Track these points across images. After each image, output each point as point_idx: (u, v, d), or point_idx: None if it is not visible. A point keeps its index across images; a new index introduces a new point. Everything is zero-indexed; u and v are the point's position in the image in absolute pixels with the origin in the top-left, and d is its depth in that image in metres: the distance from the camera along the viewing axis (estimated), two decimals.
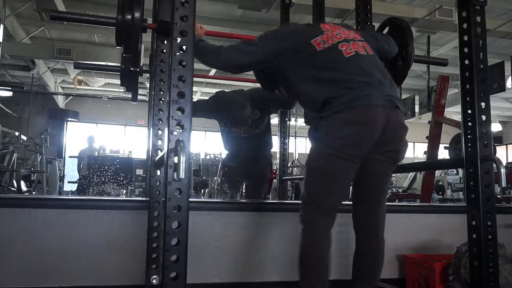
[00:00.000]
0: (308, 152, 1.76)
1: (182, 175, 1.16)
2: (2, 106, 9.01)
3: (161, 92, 1.96)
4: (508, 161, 13.04)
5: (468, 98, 1.74)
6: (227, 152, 3.44)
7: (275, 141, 3.49)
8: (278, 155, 3.52)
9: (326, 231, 1.67)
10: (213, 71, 8.43)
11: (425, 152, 4.93)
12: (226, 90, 3.47)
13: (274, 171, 3.93)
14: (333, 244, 2.38)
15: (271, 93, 3.14)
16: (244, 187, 3.54)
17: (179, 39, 1.28)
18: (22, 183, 6.77)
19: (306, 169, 1.76)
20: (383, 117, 1.62)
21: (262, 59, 1.78)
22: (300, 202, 1.75)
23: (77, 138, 11.36)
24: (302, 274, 1.68)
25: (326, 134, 1.64)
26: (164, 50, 1.96)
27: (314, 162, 1.69)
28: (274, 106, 3.24)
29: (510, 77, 8.29)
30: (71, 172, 8.39)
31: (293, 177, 5.89)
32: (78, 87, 11.32)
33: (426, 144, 4.75)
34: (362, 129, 1.61)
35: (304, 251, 1.68)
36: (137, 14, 1.63)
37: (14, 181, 6.58)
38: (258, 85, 3.83)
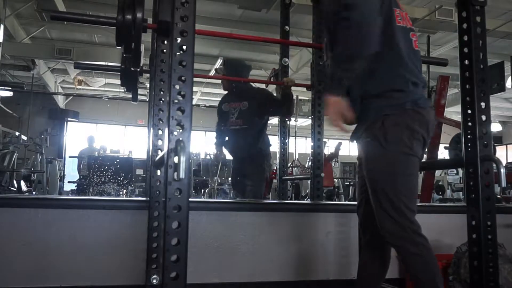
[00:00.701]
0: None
1: (182, 175, 1.16)
2: (2, 106, 9.01)
3: (161, 92, 1.96)
4: (508, 161, 13.02)
5: (468, 98, 1.74)
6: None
7: (275, 141, 3.50)
8: (278, 155, 3.52)
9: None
10: (212, 71, 8.38)
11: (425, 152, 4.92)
12: None
13: (274, 171, 3.93)
14: (333, 244, 2.40)
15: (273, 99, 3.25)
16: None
17: (179, 39, 1.28)
18: (22, 183, 6.77)
19: (379, 173, 1.56)
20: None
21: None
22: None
23: (77, 138, 11.37)
24: None
25: (400, 134, 1.52)
26: (164, 50, 1.95)
27: (394, 165, 1.53)
28: (270, 110, 3.30)
29: (510, 77, 8.29)
30: (71, 172, 8.40)
31: (293, 177, 5.90)
32: (78, 87, 11.31)
33: None
34: (428, 130, 1.59)
35: (429, 267, 1.51)
36: (137, 14, 1.63)
37: (14, 181, 6.58)
38: (258, 84, 3.86)
